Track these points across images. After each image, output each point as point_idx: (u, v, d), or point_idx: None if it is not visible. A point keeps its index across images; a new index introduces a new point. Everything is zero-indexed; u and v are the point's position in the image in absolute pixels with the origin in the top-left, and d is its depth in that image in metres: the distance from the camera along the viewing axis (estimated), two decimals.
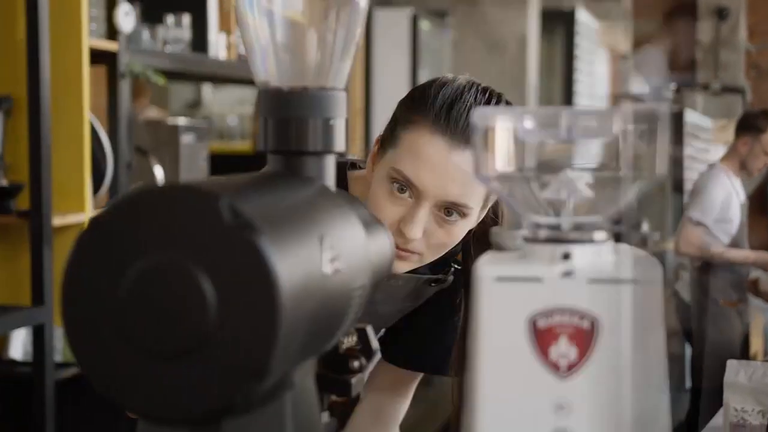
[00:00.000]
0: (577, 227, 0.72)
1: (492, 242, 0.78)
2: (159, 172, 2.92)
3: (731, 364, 1.94)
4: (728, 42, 9.42)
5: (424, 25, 5.22)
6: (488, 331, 0.69)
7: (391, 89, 5.14)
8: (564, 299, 0.68)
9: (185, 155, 2.99)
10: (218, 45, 3.21)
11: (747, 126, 4.39)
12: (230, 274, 0.61)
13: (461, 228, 1.26)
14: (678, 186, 7.19)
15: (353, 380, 0.84)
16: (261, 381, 0.62)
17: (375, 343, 0.91)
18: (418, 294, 1.41)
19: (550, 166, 0.73)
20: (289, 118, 0.81)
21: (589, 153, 0.74)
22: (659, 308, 0.69)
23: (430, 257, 1.28)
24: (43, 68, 2.34)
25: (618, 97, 9.43)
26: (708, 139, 7.90)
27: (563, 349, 0.68)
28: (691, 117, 7.19)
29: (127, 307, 0.62)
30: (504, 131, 0.72)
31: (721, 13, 9.34)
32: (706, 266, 4.43)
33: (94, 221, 0.63)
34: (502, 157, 0.72)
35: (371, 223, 0.87)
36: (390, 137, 1.27)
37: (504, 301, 0.69)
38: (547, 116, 0.72)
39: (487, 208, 1.32)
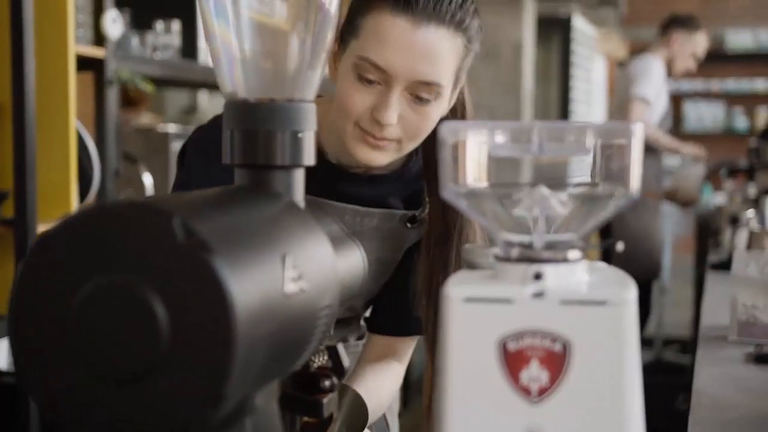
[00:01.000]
0: (550, 245, 0.69)
1: (463, 261, 0.76)
2: (148, 180, 2.89)
3: (739, 255, 1.84)
4: None
5: None
6: (457, 354, 0.67)
7: None
8: (535, 321, 0.66)
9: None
10: (208, 51, 3.19)
11: (681, 23, 4.48)
12: (183, 296, 0.58)
13: (435, 110, 1.24)
14: (565, 91, 7.27)
15: (325, 400, 0.81)
16: (216, 407, 0.59)
17: (346, 361, 0.88)
18: (396, 239, 1.38)
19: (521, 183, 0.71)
20: (256, 130, 0.78)
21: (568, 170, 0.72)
22: (633, 330, 0.66)
23: (409, 145, 1.26)
24: (29, 75, 2.31)
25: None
26: (591, 47, 7.93)
27: (534, 373, 0.66)
28: (578, 23, 7.19)
29: (77, 328, 0.60)
30: (474, 146, 0.69)
31: None
32: None
33: (44, 238, 0.61)
34: (471, 172, 0.70)
35: (341, 239, 0.84)
36: (349, 28, 1.24)
37: (473, 322, 0.67)
38: (518, 131, 0.69)
39: (458, 90, 1.30)
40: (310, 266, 0.70)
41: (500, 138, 0.69)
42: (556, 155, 0.69)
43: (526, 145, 0.69)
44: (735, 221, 3.17)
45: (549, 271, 0.67)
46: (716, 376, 1.54)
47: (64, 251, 0.60)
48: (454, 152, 0.69)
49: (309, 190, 1.38)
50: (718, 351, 1.74)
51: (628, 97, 4.37)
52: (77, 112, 2.50)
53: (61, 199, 2.44)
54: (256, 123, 0.78)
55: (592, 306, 0.65)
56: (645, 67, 4.39)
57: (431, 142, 1.29)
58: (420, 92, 1.22)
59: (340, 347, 0.85)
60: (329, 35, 0.80)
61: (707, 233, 4.61)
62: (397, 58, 1.19)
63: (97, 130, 2.64)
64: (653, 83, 4.35)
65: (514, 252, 0.69)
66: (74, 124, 2.45)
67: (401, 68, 1.19)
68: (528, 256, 0.68)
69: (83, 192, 2.53)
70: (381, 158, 1.25)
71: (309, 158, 0.80)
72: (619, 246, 0.69)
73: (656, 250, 4.56)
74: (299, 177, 0.80)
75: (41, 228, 2.35)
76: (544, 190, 0.70)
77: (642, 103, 4.32)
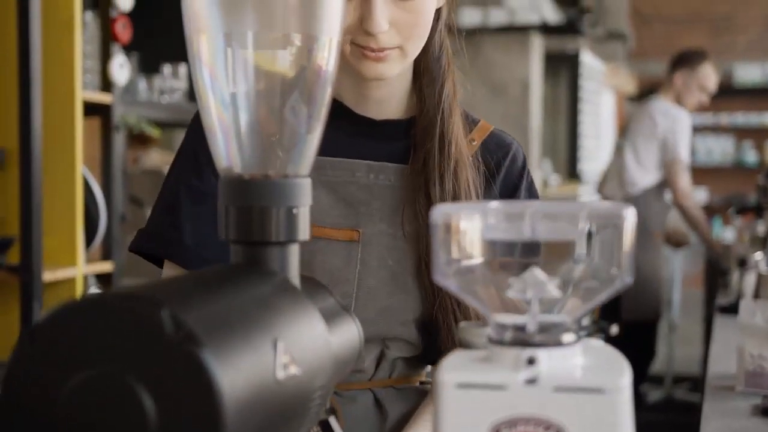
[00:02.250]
0: (544, 328, 0.69)
1: (458, 339, 0.75)
2: None
3: (746, 304, 1.81)
4: None
5: None
6: None
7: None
8: (528, 408, 0.65)
9: None
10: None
11: (682, 61, 4.54)
12: (172, 389, 0.58)
13: (426, 2, 1.16)
14: (573, 126, 7.27)
15: None
16: None
17: None
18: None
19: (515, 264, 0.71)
20: (251, 206, 0.78)
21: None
22: (628, 416, 0.65)
23: (412, 48, 1.18)
24: (36, 121, 2.33)
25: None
26: (600, 81, 7.94)
27: None
28: (586, 58, 7.20)
29: (66, 419, 0.59)
30: (465, 228, 0.69)
31: None
32: (643, 196, 4.47)
33: (33, 329, 0.60)
34: (463, 254, 0.70)
35: (336, 313, 0.84)
36: None
37: (466, 409, 0.66)
38: (510, 213, 0.69)
39: None
40: (303, 349, 0.70)
41: (492, 220, 0.69)
42: (548, 237, 0.68)
43: (518, 227, 0.69)
44: (743, 263, 3.15)
45: (542, 355, 0.66)
46: (723, 431, 1.53)
47: (53, 342, 0.60)
48: (446, 235, 0.69)
49: (323, 147, 1.33)
50: (725, 402, 1.72)
51: (673, 159, 4.34)
52: (84, 156, 2.51)
53: (67, 245, 2.45)
54: (251, 199, 0.78)
55: (586, 393, 0.65)
56: (679, 127, 4.37)
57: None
58: None
59: (332, 420, 0.85)
60: (324, 110, 0.80)
61: (716, 272, 4.59)
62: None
63: (104, 175, 2.65)
64: (688, 139, 4.39)
65: (507, 335, 0.68)
66: (81, 170, 2.45)
67: None
68: (521, 340, 0.68)
69: (89, 238, 2.53)
70: (388, 69, 1.18)
71: (304, 233, 0.80)
72: (614, 329, 0.68)
73: (661, 289, 4.55)
74: (294, 252, 0.80)
75: (47, 275, 2.35)
76: (537, 272, 0.69)
77: (685, 169, 4.34)
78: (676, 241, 4.95)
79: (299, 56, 0.79)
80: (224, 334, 0.61)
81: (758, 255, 3.13)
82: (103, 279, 2.71)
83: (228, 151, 0.80)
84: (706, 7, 9.96)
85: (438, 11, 1.24)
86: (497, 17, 5.31)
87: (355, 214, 1.22)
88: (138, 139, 3.61)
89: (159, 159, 3.76)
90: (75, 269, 2.46)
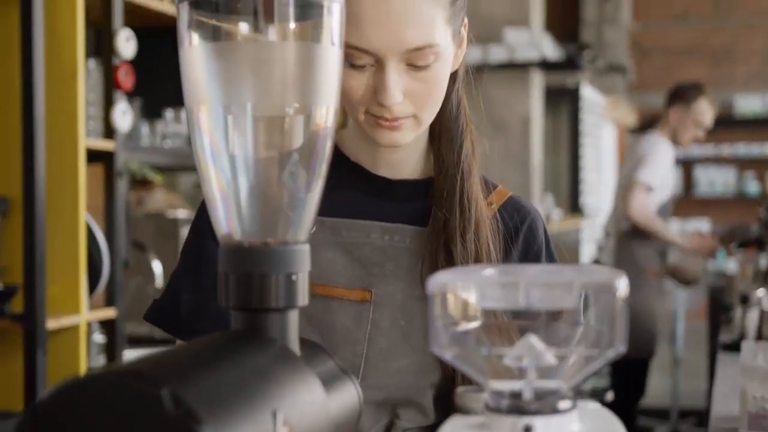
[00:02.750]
0: (540, 395, 0.69)
1: (456, 404, 0.76)
2: (158, 268, 2.90)
3: (747, 346, 1.80)
4: (612, 20, 9.49)
5: None
6: None
7: None
8: None
9: None
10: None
11: (677, 96, 4.55)
12: None
13: (440, 71, 1.14)
14: (575, 159, 7.28)
15: None
16: None
17: None
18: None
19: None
20: (250, 274, 0.79)
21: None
22: None
23: (427, 116, 1.17)
24: (39, 169, 2.35)
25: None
26: (600, 114, 7.96)
27: None
28: (586, 92, 7.22)
29: None
30: (462, 297, 0.70)
31: None
32: (634, 232, 4.45)
33: (35, 407, 0.61)
34: (460, 322, 0.71)
35: (335, 376, 0.84)
36: None
37: None
38: (505, 283, 0.70)
39: (462, 39, 1.22)
40: (302, 417, 0.70)
41: (488, 289, 0.70)
42: (543, 306, 0.69)
43: (514, 295, 0.70)
44: (745, 300, 3.15)
45: (539, 423, 0.67)
46: None
47: (54, 419, 0.61)
48: (442, 304, 0.70)
49: (340, 208, 1.21)
50: None
51: (631, 180, 4.39)
52: (86, 203, 2.53)
53: (70, 293, 2.46)
54: (251, 267, 0.79)
55: None
56: (653, 150, 4.42)
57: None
58: (415, 60, 1.12)
59: None
60: (321, 180, 0.82)
61: (719, 307, 4.58)
62: (376, 35, 1.10)
63: (107, 221, 2.67)
64: (659, 168, 4.38)
65: (504, 403, 0.69)
66: (84, 218, 2.47)
67: (384, 44, 1.10)
68: (518, 408, 0.68)
69: (92, 284, 2.54)
70: (402, 137, 1.17)
71: (303, 299, 0.81)
72: (609, 396, 0.69)
73: (655, 326, 4.54)
74: (293, 318, 0.81)
75: (50, 323, 2.36)
76: (533, 340, 0.70)
77: (644, 189, 4.34)
78: (682, 279, 4.94)
79: (297, 125, 0.81)
80: (223, 409, 0.62)
81: (761, 291, 3.13)
82: (106, 325, 2.72)
83: (227, 218, 0.81)
84: (706, 39, 10.02)
85: (454, 72, 1.24)
86: (497, 54, 5.34)
87: (368, 275, 1.21)
88: (141, 181, 3.63)
89: (163, 200, 3.78)
90: (78, 316, 2.47)
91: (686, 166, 10.16)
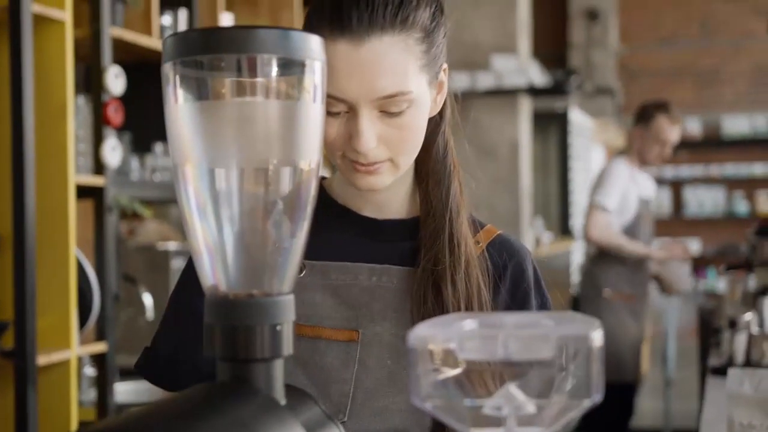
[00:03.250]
0: None
1: None
2: (148, 300, 2.91)
3: (733, 374, 1.81)
4: (599, 43, 9.57)
5: None
6: None
7: None
8: None
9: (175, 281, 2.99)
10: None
11: (639, 117, 4.58)
12: None
13: (415, 117, 1.16)
14: (564, 183, 7.30)
15: None
16: None
17: None
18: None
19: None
20: (236, 326, 0.81)
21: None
22: None
23: (404, 160, 1.18)
24: (29, 206, 2.36)
25: None
26: (589, 137, 8.00)
27: None
28: (575, 116, 7.26)
29: None
30: (441, 349, 0.72)
31: (592, 15, 9.50)
32: (599, 256, 4.45)
33: None
34: (440, 374, 0.72)
35: (320, 423, 0.86)
36: None
37: None
38: (485, 336, 0.72)
39: (442, 82, 1.22)
40: None
41: (467, 341, 0.71)
42: (521, 357, 0.71)
43: (493, 347, 0.72)
44: (733, 324, 3.17)
45: None
46: None
47: None
48: (422, 356, 0.72)
49: (329, 251, 1.23)
50: None
51: (590, 203, 4.43)
52: (77, 238, 2.54)
53: (61, 328, 2.47)
54: (236, 319, 0.81)
55: None
56: (610, 172, 4.46)
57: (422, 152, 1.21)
58: (388, 107, 1.14)
59: None
60: (303, 234, 0.83)
61: (709, 328, 4.59)
62: (348, 84, 1.12)
63: (97, 256, 2.68)
64: (615, 190, 4.37)
65: None
66: (74, 253, 2.48)
67: (356, 92, 1.12)
68: None
69: (83, 319, 2.55)
70: (379, 181, 1.18)
71: (288, 348, 0.83)
72: None
73: (630, 349, 4.50)
74: (279, 367, 0.82)
75: (41, 359, 2.37)
76: (513, 389, 0.72)
77: (600, 209, 4.35)
78: (665, 289, 4.95)
79: (281, 180, 0.83)
80: None
81: (748, 315, 3.15)
82: (97, 358, 2.72)
83: (213, 270, 0.83)
84: (693, 61, 10.10)
85: (442, 112, 1.25)
86: (485, 81, 5.38)
87: (355, 316, 1.22)
88: (134, 213, 3.65)
89: (155, 230, 3.79)
90: (69, 351, 2.48)
91: (675, 186, 10.22)
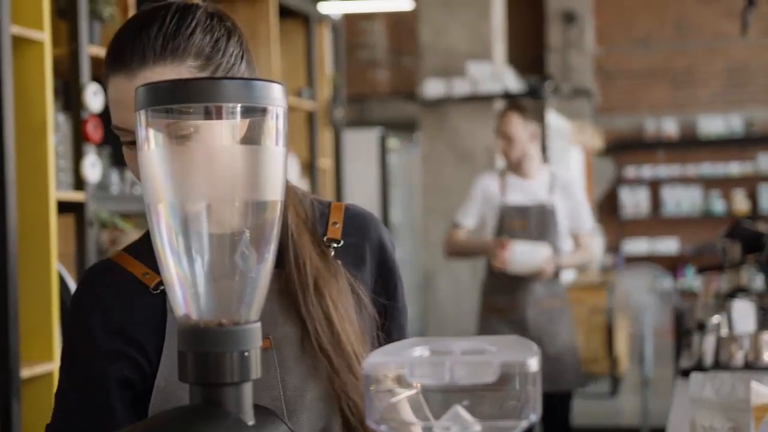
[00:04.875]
0: None
1: None
2: None
3: (695, 378, 1.88)
4: (576, 45, 9.68)
5: (392, 142, 5.34)
6: None
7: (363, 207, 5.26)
8: None
9: None
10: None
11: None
12: None
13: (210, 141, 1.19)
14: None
15: None
16: None
17: None
18: None
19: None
20: (207, 353, 0.87)
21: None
22: None
23: None
24: (11, 222, 2.41)
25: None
26: (567, 139, 8.09)
27: None
28: (552, 119, 7.35)
29: None
30: (393, 376, 0.79)
31: (568, 17, 9.61)
32: (486, 276, 4.25)
33: None
34: (392, 398, 0.79)
35: None
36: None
37: None
38: (433, 363, 0.79)
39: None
40: None
41: (417, 368, 0.78)
42: (467, 381, 0.78)
43: (440, 372, 0.78)
44: (701, 327, 3.24)
45: None
46: None
47: None
48: (375, 383, 0.78)
49: None
50: None
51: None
52: (58, 253, 2.60)
53: (43, 341, 2.52)
54: (207, 346, 0.87)
55: None
56: (470, 191, 4.27)
57: None
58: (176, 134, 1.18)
59: None
60: (272, 253, 0.90)
61: (683, 329, 4.67)
62: (127, 114, 1.19)
63: (78, 270, 2.73)
64: (470, 205, 4.20)
65: None
66: (55, 267, 2.54)
67: (134, 121, 1.16)
68: None
69: None
70: None
71: (256, 372, 0.89)
72: None
73: (561, 360, 4.23)
74: (247, 390, 0.89)
75: (24, 371, 2.42)
76: (460, 410, 0.79)
77: (453, 227, 4.22)
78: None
79: (247, 216, 0.90)
80: None
81: (716, 318, 3.21)
82: None
83: (185, 301, 0.90)
84: (668, 62, 10.22)
85: None
86: (461, 88, 5.46)
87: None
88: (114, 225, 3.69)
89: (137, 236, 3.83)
90: (52, 364, 2.53)
91: (653, 186, 10.34)
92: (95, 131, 2.74)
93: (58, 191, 2.60)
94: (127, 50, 1.19)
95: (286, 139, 0.91)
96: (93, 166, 2.72)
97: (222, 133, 0.88)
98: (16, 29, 2.47)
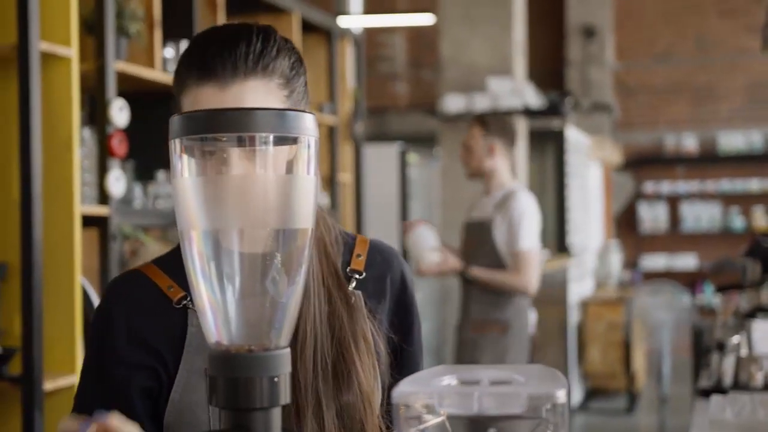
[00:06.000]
0: None
1: None
2: None
3: (716, 400, 1.88)
4: (596, 60, 9.65)
5: (412, 158, 5.36)
6: None
7: (382, 221, 5.28)
8: None
9: None
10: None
11: None
12: None
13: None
14: (561, 200, 7.34)
15: None
16: None
17: None
18: None
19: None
20: (237, 378, 0.89)
21: None
22: None
23: None
24: (36, 236, 2.44)
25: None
26: (586, 154, 8.07)
27: None
28: (571, 133, 7.34)
29: None
30: (423, 405, 0.80)
31: (588, 32, 9.57)
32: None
33: None
34: (421, 425, 0.80)
35: None
36: (176, 111, 1.23)
37: None
38: (461, 393, 0.80)
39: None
40: None
41: (446, 399, 0.80)
42: (495, 412, 0.79)
43: (469, 403, 0.80)
44: (721, 347, 3.23)
45: None
46: None
47: None
48: (406, 412, 0.80)
49: None
50: None
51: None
52: (82, 266, 2.62)
53: (66, 354, 2.54)
54: (237, 371, 0.89)
55: None
56: None
57: None
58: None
59: None
60: (298, 294, 0.91)
61: (701, 346, 4.65)
62: None
63: (101, 283, 2.76)
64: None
65: None
66: (79, 281, 2.56)
67: None
68: None
69: None
70: None
71: (285, 398, 0.90)
72: None
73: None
74: (276, 415, 0.90)
75: (47, 384, 2.45)
76: None
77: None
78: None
79: (278, 243, 0.91)
80: None
81: (736, 338, 3.20)
82: None
83: (216, 327, 0.91)
84: (689, 78, 10.19)
85: None
86: (481, 103, 5.47)
87: None
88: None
89: (157, 251, 3.86)
90: (75, 376, 2.55)
91: (672, 201, 10.31)
92: (120, 146, 2.77)
93: (82, 205, 2.63)
94: (217, 62, 1.20)
95: (317, 167, 0.92)
96: (117, 181, 2.74)
97: (254, 162, 0.89)
98: (45, 45, 2.50)
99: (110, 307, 1.29)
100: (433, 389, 0.80)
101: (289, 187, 0.90)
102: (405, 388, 0.80)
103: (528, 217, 3.97)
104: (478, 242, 4.04)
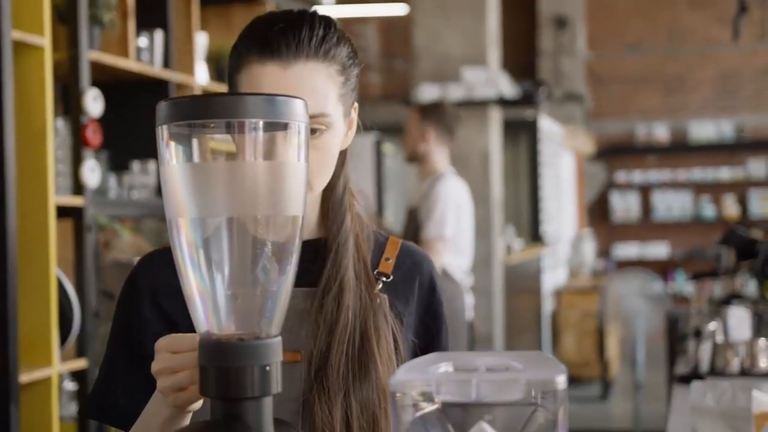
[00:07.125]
0: None
1: None
2: None
3: (696, 386, 1.88)
4: (568, 50, 9.71)
5: (387, 148, 5.35)
6: None
7: None
8: None
9: None
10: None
11: None
12: None
13: (331, 141, 1.23)
14: (534, 189, 7.38)
15: None
16: None
17: None
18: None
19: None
20: (227, 367, 0.88)
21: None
22: None
23: (318, 183, 1.24)
24: (10, 227, 2.40)
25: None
26: (559, 143, 8.12)
27: None
28: (545, 123, 7.38)
29: None
30: (419, 392, 0.79)
31: (560, 22, 9.62)
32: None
33: None
34: (418, 413, 0.79)
35: None
36: (231, 89, 1.25)
37: None
38: (459, 380, 0.79)
39: (353, 120, 1.30)
40: None
41: (443, 386, 0.79)
42: (493, 399, 0.78)
43: (467, 390, 0.79)
44: (698, 334, 3.25)
45: None
46: None
47: None
48: (402, 399, 0.78)
49: None
50: None
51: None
52: (56, 255, 2.59)
53: (41, 346, 2.51)
54: (228, 361, 0.88)
55: None
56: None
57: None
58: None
59: None
60: (290, 280, 0.90)
61: (676, 334, 4.67)
62: None
63: (77, 274, 2.73)
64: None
65: None
66: (54, 272, 2.53)
67: None
68: None
69: (64, 336, 2.60)
70: None
71: (277, 387, 0.89)
72: None
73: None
74: (268, 404, 0.89)
75: (23, 377, 2.42)
76: (485, 425, 0.79)
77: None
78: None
79: (268, 230, 0.90)
80: None
81: (713, 324, 3.22)
82: (78, 374, 2.77)
83: (206, 316, 0.90)
84: (660, 68, 10.24)
85: (343, 153, 1.32)
86: (456, 92, 5.46)
87: (297, 337, 1.25)
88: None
89: (130, 243, 3.82)
90: (51, 369, 2.52)
91: (644, 190, 10.37)
92: (94, 136, 2.73)
93: (57, 196, 2.60)
94: (281, 41, 1.20)
95: (307, 154, 0.91)
96: (92, 171, 2.71)
97: (244, 149, 0.88)
98: (17, 34, 2.46)
99: (136, 283, 1.28)
100: (431, 376, 0.79)
101: (280, 173, 0.89)
102: (402, 375, 0.79)
103: (441, 205, 3.93)
104: (410, 229, 4.04)
